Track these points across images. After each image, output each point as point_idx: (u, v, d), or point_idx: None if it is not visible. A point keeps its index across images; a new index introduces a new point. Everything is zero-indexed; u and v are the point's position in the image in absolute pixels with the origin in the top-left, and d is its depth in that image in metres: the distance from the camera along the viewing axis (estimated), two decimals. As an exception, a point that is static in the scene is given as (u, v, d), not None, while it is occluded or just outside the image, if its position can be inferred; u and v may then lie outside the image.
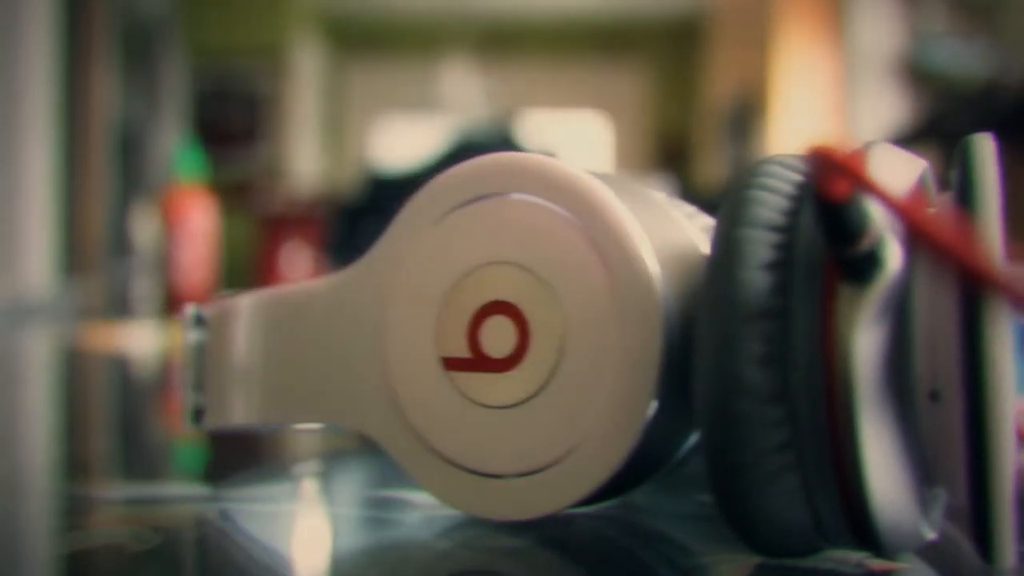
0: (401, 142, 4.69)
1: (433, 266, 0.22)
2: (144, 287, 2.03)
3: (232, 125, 3.81)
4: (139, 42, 3.00)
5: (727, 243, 0.17)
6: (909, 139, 1.18)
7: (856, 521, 0.17)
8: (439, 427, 0.21)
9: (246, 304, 0.25)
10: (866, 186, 0.15)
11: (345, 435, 0.34)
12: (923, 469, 0.17)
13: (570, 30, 4.67)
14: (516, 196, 0.21)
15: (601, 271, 0.20)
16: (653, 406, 0.20)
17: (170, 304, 1.31)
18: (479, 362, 0.21)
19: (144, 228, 2.55)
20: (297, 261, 2.70)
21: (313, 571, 0.21)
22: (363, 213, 1.74)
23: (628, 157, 4.58)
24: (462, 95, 4.34)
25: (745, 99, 3.38)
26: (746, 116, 3.35)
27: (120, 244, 2.66)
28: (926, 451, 0.17)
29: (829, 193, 0.14)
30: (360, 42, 4.71)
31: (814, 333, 0.16)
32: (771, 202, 0.17)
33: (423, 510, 0.25)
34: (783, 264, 0.16)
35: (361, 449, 0.33)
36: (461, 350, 0.21)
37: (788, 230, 0.17)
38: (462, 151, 1.66)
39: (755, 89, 3.25)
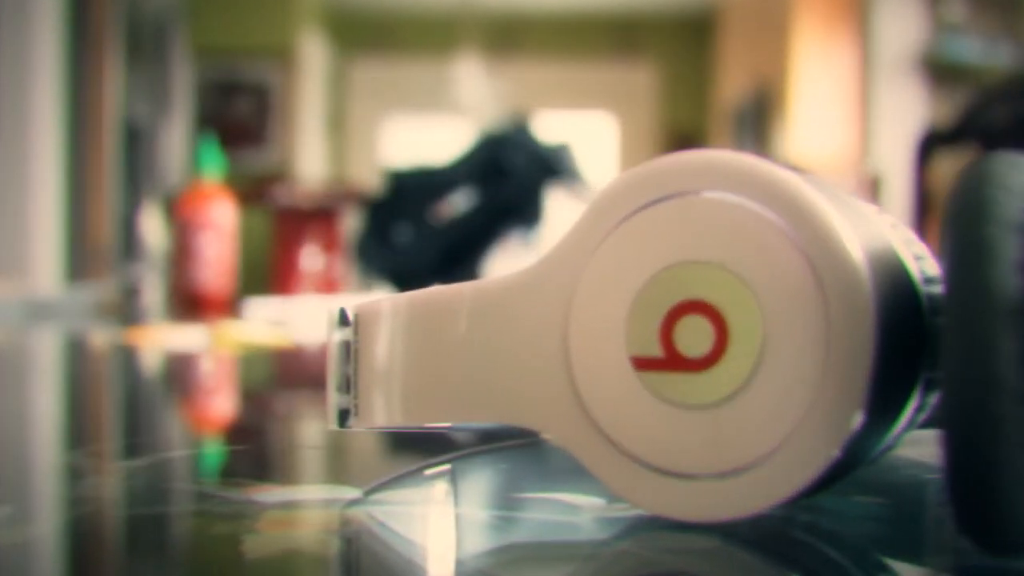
0: (409, 140, 4.70)
1: (622, 265, 0.21)
2: (154, 286, 2.03)
3: (239, 124, 3.82)
4: (146, 41, 3.00)
5: (975, 243, 0.16)
6: (948, 136, 1.17)
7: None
8: (629, 427, 0.21)
9: (395, 304, 0.25)
10: None
11: (504, 434, 0.33)
12: None
13: (581, 27, 4.67)
14: (709, 194, 0.21)
15: (805, 269, 0.20)
16: (860, 413, 0.19)
17: (188, 304, 1.31)
18: (673, 362, 0.21)
19: (153, 227, 2.55)
20: (314, 258, 2.70)
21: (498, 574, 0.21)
22: (388, 211, 1.75)
23: (640, 155, 4.58)
24: (471, 94, 4.34)
25: (761, 95, 3.37)
26: (762, 113, 3.34)
27: (129, 243, 2.66)
28: None
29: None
30: (368, 41, 4.72)
31: (1076, 332, 0.16)
32: (1011, 203, 0.17)
33: (589, 512, 0.24)
34: (1033, 263, 0.16)
35: (494, 451, 0.33)
36: (653, 349, 0.21)
37: None
38: (488, 150, 1.66)
39: (771, 84, 3.24)
